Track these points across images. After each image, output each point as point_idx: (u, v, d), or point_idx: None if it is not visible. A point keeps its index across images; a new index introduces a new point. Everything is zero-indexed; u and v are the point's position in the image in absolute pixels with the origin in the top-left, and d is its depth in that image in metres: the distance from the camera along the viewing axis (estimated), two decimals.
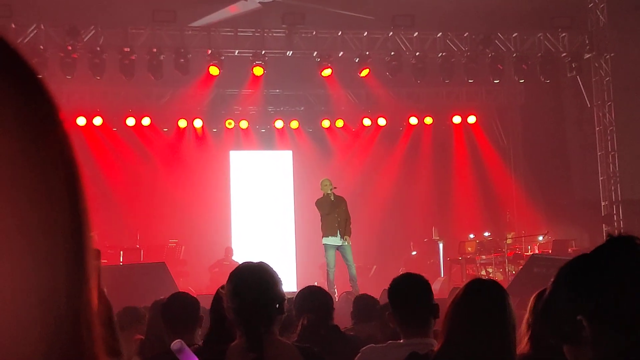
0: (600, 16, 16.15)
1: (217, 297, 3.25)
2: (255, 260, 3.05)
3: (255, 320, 2.82)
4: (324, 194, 11.88)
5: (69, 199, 0.67)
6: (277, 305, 2.88)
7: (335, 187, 11.91)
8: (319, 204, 11.95)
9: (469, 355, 2.70)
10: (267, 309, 2.86)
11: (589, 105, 16.65)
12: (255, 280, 2.89)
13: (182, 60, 15.08)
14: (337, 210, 11.75)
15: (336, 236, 11.77)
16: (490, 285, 2.87)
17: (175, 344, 2.43)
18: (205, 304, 4.20)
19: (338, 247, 11.85)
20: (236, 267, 3.02)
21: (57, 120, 0.68)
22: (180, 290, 6.99)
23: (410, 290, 3.57)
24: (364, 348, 3.68)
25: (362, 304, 5.53)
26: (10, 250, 0.62)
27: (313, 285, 5.18)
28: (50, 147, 0.66)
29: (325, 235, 11.88)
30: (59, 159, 0.67)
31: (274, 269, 2.98)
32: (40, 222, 0.64)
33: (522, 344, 3.16)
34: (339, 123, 18.56)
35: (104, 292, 1.51)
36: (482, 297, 2.80)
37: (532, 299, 3.41)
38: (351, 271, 11.97)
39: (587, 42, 16.33)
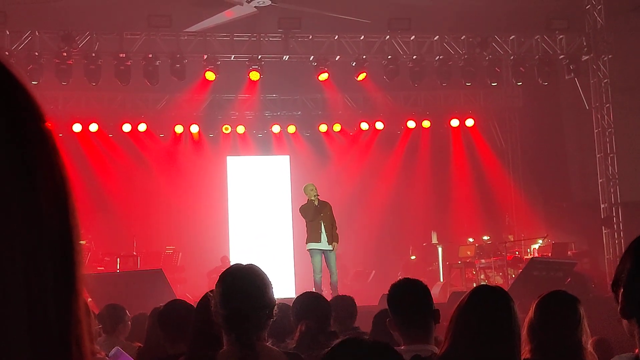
0: (598, 18, 16.10)
1: (204, 302, 3.13)
2: (245, 262, 2.95)
3: (247, 328, 2.72)
4: (308, 200, 11.85)
5: (57, 214, 0.65)
6: (268, 311, 2.79)
7: (318, 195, 11.81)
8: (303, 210, 11.94)
9: None
10: (259, 316, 2.76)
11: (587, 108, 16.59)
12: (247, 285, 2.78)
13: (178, 65, 15.02)
14: (322, 216, 11.71)
15: (320, 242, 11.72)
16: (496, 292, 2.82)
17: (113, 350, 2.41)
18: None
19: (323, 252, 11.80)
20: (226, 270, 2.90)
21: (43, 129, 0.66)
22: (177, 297, 6.92)
23: (409, 295, 3.51)
24: None
25: (340, 306, 5.30)
26: None
27: (311, 292, 5.10)
28: (37, 158, 0.64)
29: (308, 241, 11.85)
30: (46, 171, 0.64)
31: (264, 271, 2.88)
32: (28, 237, 0.62)
33: (524, 349, 3.11)
34: (337, 127, 18.53)
35: (87, 303, 1.45)
36: (487, 303, 2.76)
37: (534, 304, 3.35)
38: (333, 278, 11.94)
39: (584, 44, 16.29)
